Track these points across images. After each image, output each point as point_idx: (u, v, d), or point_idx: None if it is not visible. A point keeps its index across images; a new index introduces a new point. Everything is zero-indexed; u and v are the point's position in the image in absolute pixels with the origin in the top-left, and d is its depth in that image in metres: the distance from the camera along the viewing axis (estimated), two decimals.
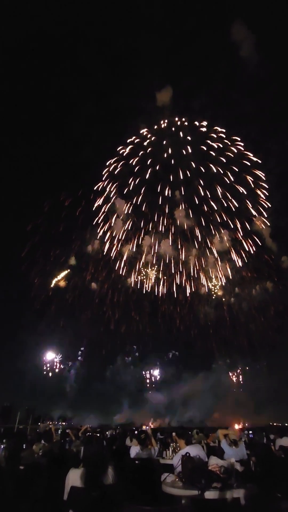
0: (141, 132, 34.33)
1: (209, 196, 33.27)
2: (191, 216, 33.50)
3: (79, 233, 34.84)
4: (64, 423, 31.86)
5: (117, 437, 9.92)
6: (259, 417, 29.32)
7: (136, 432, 8.74)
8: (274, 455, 4.55)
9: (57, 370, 35.61)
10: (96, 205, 34.33)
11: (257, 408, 29.90)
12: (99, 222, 34.64)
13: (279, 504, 2.52)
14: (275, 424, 28.02)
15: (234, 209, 33.12)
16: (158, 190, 33.86)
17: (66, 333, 35.67)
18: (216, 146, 33.16)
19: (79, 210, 33.61)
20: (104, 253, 34.78)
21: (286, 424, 28.14)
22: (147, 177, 33.89)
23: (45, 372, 35.00)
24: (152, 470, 4.69)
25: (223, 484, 3.21)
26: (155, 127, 34.26)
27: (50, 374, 35.24)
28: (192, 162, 33.26)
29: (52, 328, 35.11)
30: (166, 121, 34.05)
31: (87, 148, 35.26)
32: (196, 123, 33.78)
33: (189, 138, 33.35)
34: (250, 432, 13.62)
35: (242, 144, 32.96)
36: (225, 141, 33.19)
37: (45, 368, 35.14)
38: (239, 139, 33.03)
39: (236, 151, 32.93)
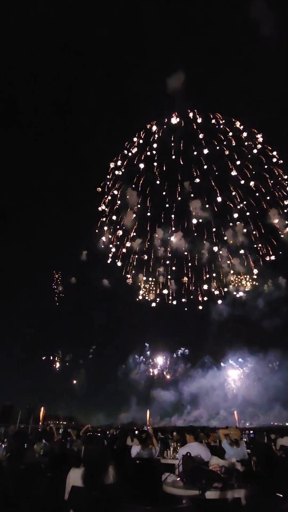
0: (151, 123, 33.65)
1: (222, 193, 32.72)
2: (199, 215, 33.11)
3: (88, 228, 34.70)
4: (64, 423, 31.77)
5: (118, 437, 9.91)
6: (264, 416, 29.12)
7: (137, 431, 8.73)
8: (275, 455, 4.55)
9: (61, 370, 35.37)
10: (103, 200, 34.26)
11: (262, 408, 29.66)
12: (107, 217, 34.52)
13: (280, 504, 2.51)
14: (276, 424, 27.96)
15: (246, 207, 32.70)
16: (165, 187, 33.42)
17: (77, 331, 35.51)
18: (231, 140, 32.27)
19: (88, 205, 33.46)
20: (114, 249, 34.67)
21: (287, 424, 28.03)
22: (156, 172, 33.41)
23: (55, 370, 34.87)
24: (152, 470, 4.70)
25: (224, 484, 3.20)
26: (165, 120, 33.44)
27: (60, 372, 35.08)
28: (202, 159, 32.55)
29: (63, 325, 34.95)
30: (176, 113, 33.10)
31: (94, 141, 34.71)
32: (210, 114, 32.86)
33: (200, 132, 32.56)
34: (251, 432, 13.59)
35: (259, 136, 32.07)
36: (239, 134, 32.31)
37: (54, 366, 35.00)
38: (256, 131, 32.04)
39: (253, 145, 31.97)
